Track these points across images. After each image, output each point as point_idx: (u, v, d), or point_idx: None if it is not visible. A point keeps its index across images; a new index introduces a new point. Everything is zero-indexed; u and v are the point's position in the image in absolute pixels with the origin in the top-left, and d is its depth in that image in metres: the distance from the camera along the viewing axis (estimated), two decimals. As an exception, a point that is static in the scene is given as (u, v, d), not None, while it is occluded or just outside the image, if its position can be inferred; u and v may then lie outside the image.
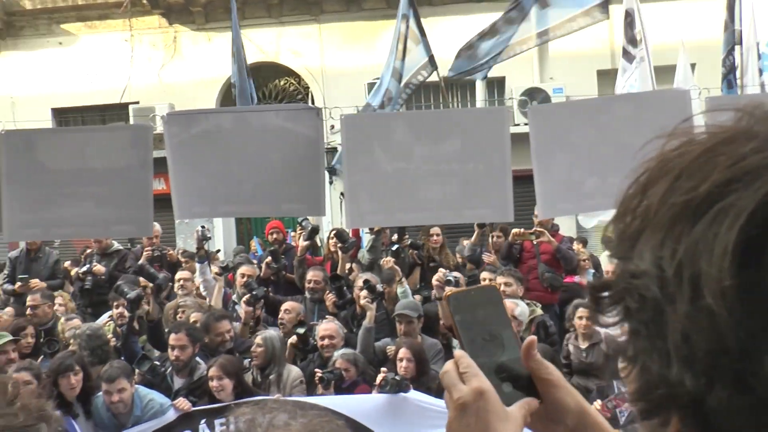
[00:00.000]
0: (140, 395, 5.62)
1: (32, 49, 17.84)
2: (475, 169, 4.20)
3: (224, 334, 6.42)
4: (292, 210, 4.84)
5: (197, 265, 7.84)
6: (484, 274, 7.81)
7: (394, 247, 8.09)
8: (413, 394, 5.47)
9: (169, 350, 6.07)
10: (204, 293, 7.86)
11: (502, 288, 7.10)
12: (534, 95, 14.59)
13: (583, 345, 6.73)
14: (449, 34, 12.58)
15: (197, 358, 6.18)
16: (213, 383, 5.50)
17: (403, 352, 5.93)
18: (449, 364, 1.21)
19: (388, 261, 7.96)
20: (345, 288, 7.24)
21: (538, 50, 15.28)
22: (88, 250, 9.66)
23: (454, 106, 16.49)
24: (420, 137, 4.28)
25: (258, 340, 6.17)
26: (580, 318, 6.64)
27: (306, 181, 4.26)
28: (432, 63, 9.88)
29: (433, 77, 10.14)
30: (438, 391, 5.76)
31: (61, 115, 18.06)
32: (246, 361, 6.25)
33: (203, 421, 5.43)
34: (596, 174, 4.06)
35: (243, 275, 7.80)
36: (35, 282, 8.42)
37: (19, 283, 8.43)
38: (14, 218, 4.55)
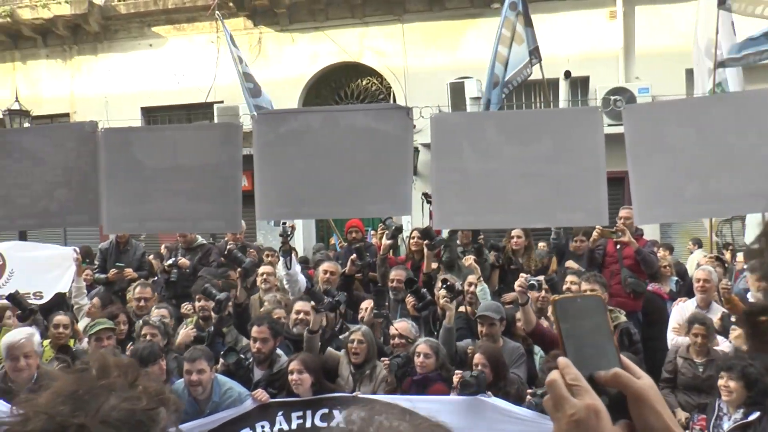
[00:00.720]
0: (219, 383, 5.75)
1: (125, 52, 18.53)
2: (567, 171, 4.08)
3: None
4: (376, 210, 4.82)
5: (280, 259, 7.91)
6: (569, 278, 7.66)
7: (476, 245, 7.98)
8: (490, 399, 5.39)
9: (251, 342, 6.19)
10: (286, 286, 7.92)
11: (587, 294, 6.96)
12: (619, 95, 14.22)
13: (699, 360, 6.53)
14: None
15: (278, 351, 6.28)
16: (293, 377, 5.56)
17: (477, 358, 5.84)
18: (555, 374, 1.20)
19: (468, 259, 7.85)
20: (423, 290, 7.17)
21: (623, 49, 14.96)
22: (164, 246, 9.93)
23: (536, 106, 16.27)
24: (510, 138, 4.19)
25: (358, 336, 6.18)
26: (696, 335, 6.48)
27: (393, 182, 4.22)
28: (535, 54, 9.78)
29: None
30: (516, 396, 5.66)
31: (150, 113, 18.64)
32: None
33: (280, 413, 5.49)
34: (697, 178, 3.88)
35: (325, 272, 7.86)
36: (129, 271, 8.71)
37: (114, 270, 8.71)
38: (113, 212, 4.68)
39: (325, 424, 5.39)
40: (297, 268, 7.97)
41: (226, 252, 8.03)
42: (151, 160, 4.57)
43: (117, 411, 1.30)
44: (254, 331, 6.19)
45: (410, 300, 7.07)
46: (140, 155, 4.60)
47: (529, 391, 5.62)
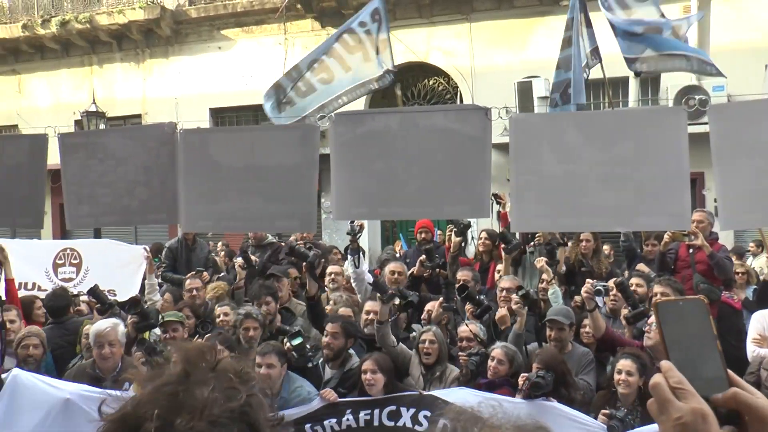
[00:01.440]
0: (290, 379, 5.78)
1: (195, 54, 18.95)
2: (650, 174, 3.98)
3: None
4: (454, 212, 4.79)
5: (348, 257, 7.92)
6: (634, 280, 7.44)
7: (548, 246, 7.82)
8: (556, 404, 5.27)
9: (323, 337, 6.21)
10: (354, 285, 7.93)
11: (658, 298, 6.76)
12: (691, 94, 13.80)
13: None
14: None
15: (350, 351, 6.28)
16: (366, 376, 5.55)
17: (535, 366, 5.68)
18: (659, 377, 1.19)
19: (540, 261, 7.71)
20: (482, 296, 7.07)
21: (697, 45, 14.51)
22: (221, 243, 9.94)
23: (603, 106, 15.96)
24: (591, 139, 4.11)
25: (430, 336, 6.11)
26: None
27: (471, 183, 4.19)
28: (595, 55, 9.56)
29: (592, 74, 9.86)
30: (582, 403, 5.53)
31: (218, 114, 18.98)
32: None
33: (349, 411, 5.48)
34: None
35: (392, 272, 7.84)
36: (206, 275, 8.83)
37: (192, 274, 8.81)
38: (190, 210, 4.78)
39: (392, 423, 5.38)
40: (364, 266, 7.96)
41: (288, 249, 8.03)
42: (228, 160, 4.65)
43: (219, 407, 1.29)
44: (329, 326, 6.22)
45: (469, 307, 6.99)
46: (217, 155, 4.68)
47: (605, 411, 5.48)
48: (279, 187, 4.54)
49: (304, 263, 7.38)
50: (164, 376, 1.36)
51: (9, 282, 7.85)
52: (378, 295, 6.29)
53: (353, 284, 7.94)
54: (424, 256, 7.83)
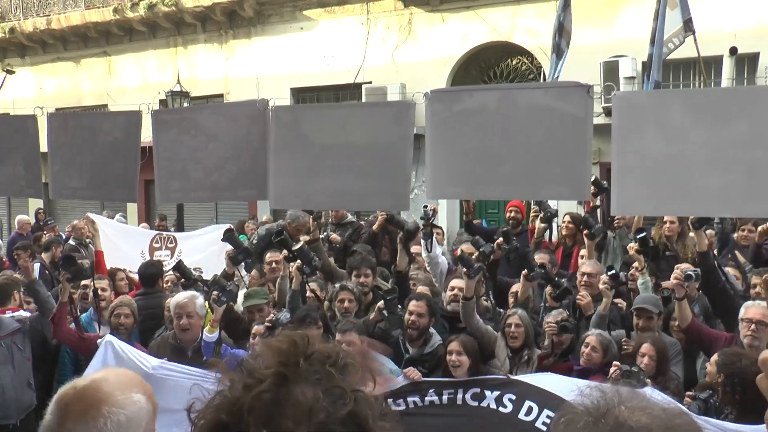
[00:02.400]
0: None
1: (277, 35, 19.10)
2: (766, 156, 3.74)
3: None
4: (553, 193, 4.63)
5: (422, 241, 7.81)
6: (728, 270, 7.09)
7: (641, 234, 7.45)
8: (652, 391, 5.07)
9: (407, 315, 6.11)
10: (428, 269, 7.84)
11: (757, 290, 6.46)
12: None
13: None
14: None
15: (431, 330, 6.20)
16: (452, 357, 5.48)
17: (646, 348, 5.53)
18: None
19: (632, 248, 7.40)
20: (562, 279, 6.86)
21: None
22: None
23: (695, 85, 15.33)
24: (699, 119, 3.87)
25: (515, 319, 5.97)
26: None
27: (571, 164, 4.02)
28: (688, 26, 9.11)
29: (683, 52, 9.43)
30: (673, 393, 5.33)
31: (299, 94, 19.10)
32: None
33: (432, 389, 5.42)
34: None
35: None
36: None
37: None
38: (280, 187, 4.77)
39: (476, 403, 5.29)
40: (438, 250, 7.85)
41: (387, 216, 7.87)
42: (319, 138, 4.61)
43: (325, 412, 1.20)
44: (412, 305, 6.12)
45: (548, 289, 6.81)
46: (309, 132, 4.65)
47: (689, 393, 5.26)
48: (371, 165, 4.47)
49: (400, 234, 7.23)
50: (258, 379, 1.26)
51: (98, 254, 8.14)
52: (464, 270, 6.20)
53: (427, 267, 7.84)
54: (501, 239, 7.57)
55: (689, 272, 6.14)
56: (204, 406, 1.29)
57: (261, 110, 4.75)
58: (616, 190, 4.03)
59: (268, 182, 4.72)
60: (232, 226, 6.68)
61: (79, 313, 6.51)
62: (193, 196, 5.10)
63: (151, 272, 7.56)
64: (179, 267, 7.08)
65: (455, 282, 6.67)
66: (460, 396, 5.38)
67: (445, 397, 5.40)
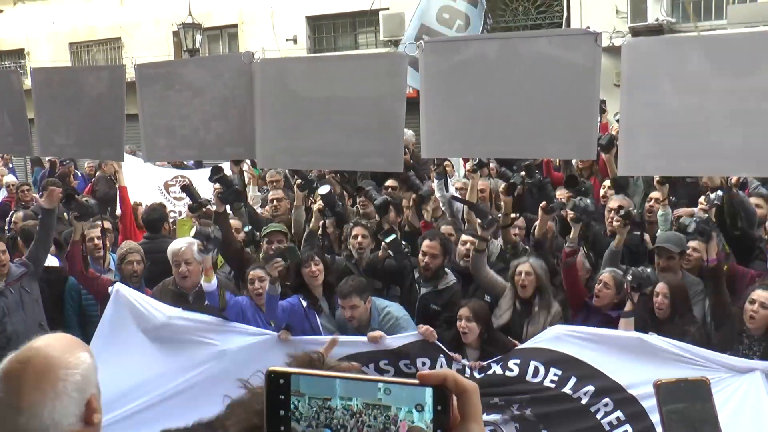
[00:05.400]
0: (377, 307, 5.64)
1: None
2: (792, 109, 3.37)
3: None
4: (558, 152, 4.30)
5: (435, 182, 7.58)
6: (753, 200, 6.62)
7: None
8: (655, 339, 4.86)
9: (420, 255, 5.99)
10: (443, 208, 7.63)
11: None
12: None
13: None
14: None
15: (446, 269, 6.09)
16: (461, 323, 5.31)
17: (660, 287, 5.32)
18: None
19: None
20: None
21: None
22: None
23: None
24: (720, 66, 3.49)
25: (526, 267, 5.70)
26: None
27: (578, 119, 3.67)
28: None
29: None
30: (694, 337, 5.13)
31: (315, 22, 18.61)
32: None
33: (442, 355, 5.28)
34: None
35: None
36: None
37: None
38: (267, 145, 4.52)
39: (482, 375, 5.14)
40: (452, 190, 7.64)
41: (404, 177, 7.70)
42: (307, 92, 4.31)
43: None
44: (425, 245, 5.98)
45: (566, 193, 6.73)
46: (296, 86, 4.35)
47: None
48: (362, 121, 4.17)
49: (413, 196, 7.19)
50: None
51: (122, 189, 8.03)
52: (479, 221, 5.97)
53: (443, 208, 7.60)
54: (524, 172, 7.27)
55: (717, 201, 5.81)
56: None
57: (246, 63, 4.44)
58: (624, 148, 3.69)
59: (255, 140, 4.44)
60: (220, 165, 6.39)
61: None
62: (179, 153, 4.88)
63: (154, 218, 7.36)
64: (187, 188, 6.84)
65: (465, 237, 6.45)
66: (468, 372, 5.24)
67: (454, 366, 5.24)
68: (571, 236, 5.84)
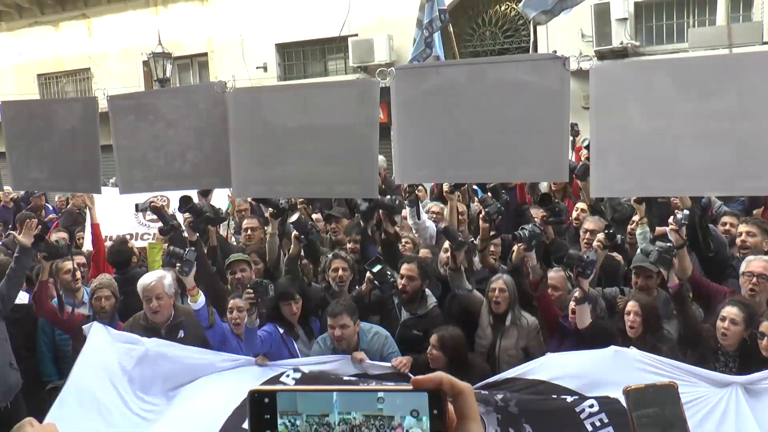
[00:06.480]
0: (364, 330, 5.69)
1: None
2: (756, 130, 3.46)
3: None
4: (528, 175, 4.35)
5: (407, 209, 7.63)
6: (726, 218, 7.04)
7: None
8: (632, 352, 4.93)
9: (399, 278, 6.02)
10: (415, 235, 7.68)
11: (743, 237, 6.31)
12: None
13: None
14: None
15: (427, 292, 6.13)
16: (429, 351, 5.38)
17: (631, 306, 5.37)
18: None
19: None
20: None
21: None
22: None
23: (688, 25, 14.89)
24: (685, 89, 3.57)
25: (499, 284, 5.92)
26: None
27: (547, 142, 3.74)
28: None
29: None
30: (667, 354, 5.19)
31: (284, 49, 18.68)
32: None
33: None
34: None
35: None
36: None
37: None
38: (242, 174, 4.53)
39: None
40: (424, 217, 7.70)
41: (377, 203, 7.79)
42: (280, 120, 4.33)
43: None
44: (403, 268, 6.03)
45: (541, 212, 6.83)
46: (269, 115, 4.37)
47: None
48: (336, 149, 4.20)
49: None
50: None
51: (94, 226, 7.95)
52: (448, 244, 6.12)
53: (415, 234, 7.66)
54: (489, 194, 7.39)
55: (684, 221, 5.92)
56: None
57: (219, 93, 4.46)
58: (595, 170, 3.76)
59: (231, 169, 4.45)
60: (189, 195, 6.38)
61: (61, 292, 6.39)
62: (156, 185, 4.84)
63: (119, 260, 7.37)
64: (158, 211, 6.79)
65: (448, 245, 6.53)
66: None
67: None
68: (531, 265, 5.89)
